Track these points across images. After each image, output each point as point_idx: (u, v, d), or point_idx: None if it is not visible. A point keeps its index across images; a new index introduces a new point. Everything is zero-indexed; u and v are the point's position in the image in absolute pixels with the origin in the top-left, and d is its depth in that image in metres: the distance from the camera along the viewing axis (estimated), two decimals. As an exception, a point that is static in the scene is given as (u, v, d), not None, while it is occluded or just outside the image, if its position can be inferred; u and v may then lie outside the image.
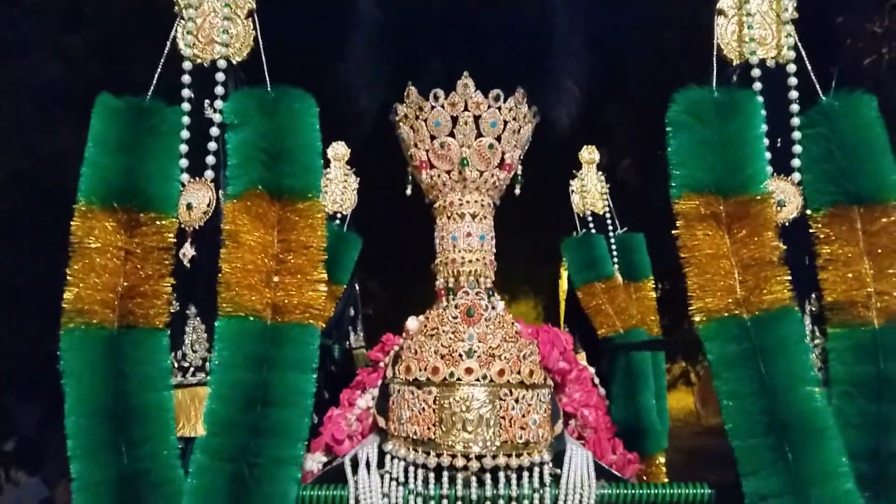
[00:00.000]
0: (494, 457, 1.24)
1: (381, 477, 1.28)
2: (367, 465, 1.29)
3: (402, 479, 1.26)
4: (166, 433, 1.19)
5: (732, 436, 1.18)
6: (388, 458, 1.29)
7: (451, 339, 1.30)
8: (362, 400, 1.57)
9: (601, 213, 2.60)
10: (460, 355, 1.29)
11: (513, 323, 1.33)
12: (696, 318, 1.23)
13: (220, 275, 1.23)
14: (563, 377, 1.53)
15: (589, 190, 2.59)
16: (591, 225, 2.58)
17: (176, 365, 1.28)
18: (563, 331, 1.88)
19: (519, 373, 1.29)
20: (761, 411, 1.16)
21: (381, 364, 1.60)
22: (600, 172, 2.62)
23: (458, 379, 1.27)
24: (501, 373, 1.28)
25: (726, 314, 1.21)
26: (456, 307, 1.32)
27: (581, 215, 2.60)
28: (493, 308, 1.33)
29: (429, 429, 1.26)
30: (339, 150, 2.55)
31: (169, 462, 1.18)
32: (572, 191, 2.63)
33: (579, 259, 2.45)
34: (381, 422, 1.37)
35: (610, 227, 2.60)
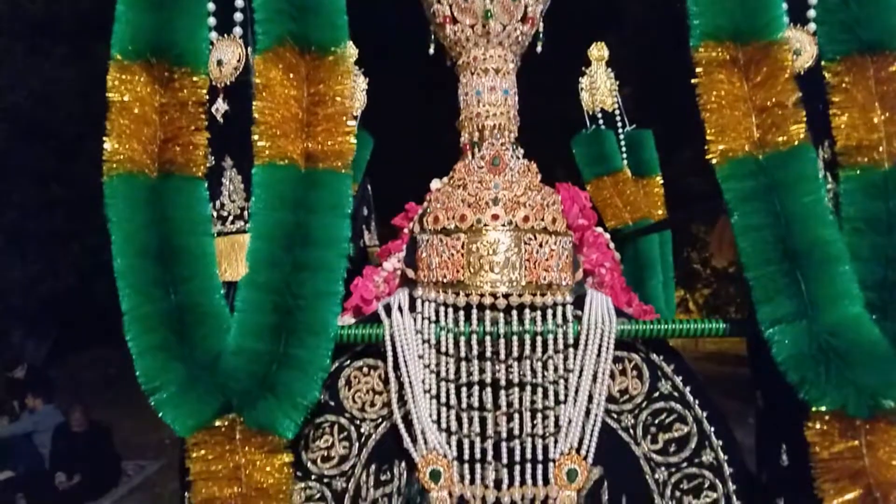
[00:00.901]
0: (520, 295, 1.31)
1: (414, 319, 1.35)
2: (400, 308, 1.36)
3: (433, 319, 1.33)
4: (210, 273, 1.25)
5: (748, 268, 1.24)
6: (419, 302, 1.36)
7: (477, 188, 1.35)
8: (388, 263, 1.63)
9: (610, 110, 2.62)
10: (487, 203, 1.34)
11: (537, 173, 1.38)
12: (714, 161, 1.28)
13: (253, 126, 1.27)
14: (582, 236, 1.60)
15: (598, 87, 2.61)
16: (601, 122, 2.60)
17: (215, 214, 1.34)
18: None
19: (542, 219, 1.34)
20: (776, 240, 1.22)
21: (405, 230, 1.66)
22: (609, 69, 2.63)
23: (485, 225, 1.33)
24: (526, 219, 1.33)
25: (742, 154, 1.26)
26: (482, 158, 1.37)
27: (590, 113, 2.63)
28: (518, 158, 1.37)
29: (458, 272, 1.33)
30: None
31: (214, 298, 1.24)
32: (581, 88, 2.64)
33: (589, 154, 2.49)
34: (410, 273, 1.43)
35: (619, 124, 2.63)
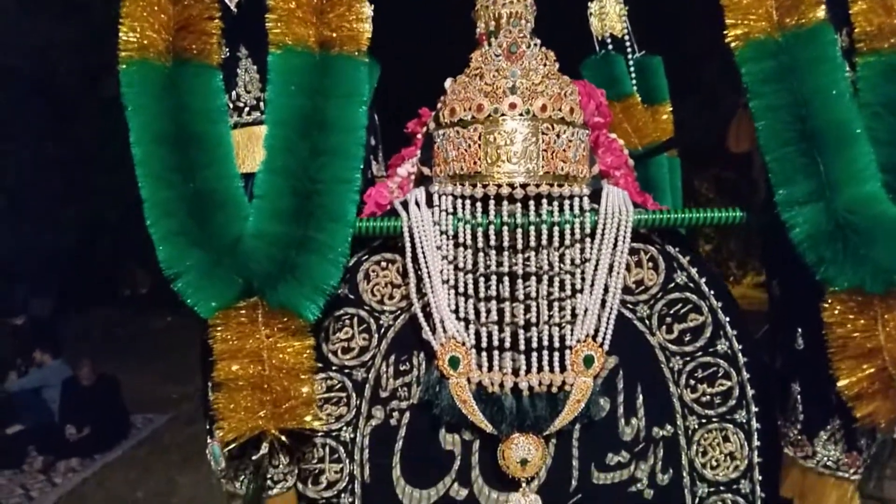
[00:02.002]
0: (538, 186, 1.31)
1: (431, 212, 1.35)
2: (417, 203, 1.36)
3: (451, 210, 1.34)
4: (228, 160, 1.25)
5: (766, 150, 1.24)
6: (436, 196, 1.36)
7: (494, 76, 1.34)
8: (402, 168, 1.63)
9: (620, 35, 2.59)
10: (504, 92, 1.33)
11: (555, 61, 1.36)
12: (734, 44, 1.27)
13: (268, 13, 1.26)
14: (597, 138, 1.59)
15: (608, 12, 2.58)
16: (611, 47, 2.58)
17: (231, 106, 1.33)
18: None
19: (560, 109, 1.34)
20: (794, 121, 1.22)
21: (419, 135, 1.65)
22: (619, -7, 2.60)
23: (503, 114, 1.32)
24: (544, 108, 1.33)
25: (762, 35, 1.25)
26: (499, 45, 1.35)
27: (600, 38, 2.60)
28: (536, 45, 1.36)
29: (475, 163, 1.32)
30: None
31: (233, 185, 1.24)
32: (591, 13, 2.61)
33: (598, 78, 2.47)
34: (426, 170, 1.43)
35: (629, 50, 2.60)
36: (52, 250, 8.86)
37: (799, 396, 1.31)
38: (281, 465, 1.30)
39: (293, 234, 1.21)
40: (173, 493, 5.21)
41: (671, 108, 2.63)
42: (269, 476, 1.29)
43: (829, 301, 1.22)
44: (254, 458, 1.23)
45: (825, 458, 1.28)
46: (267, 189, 1.22)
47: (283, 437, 1.22)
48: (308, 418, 1.23)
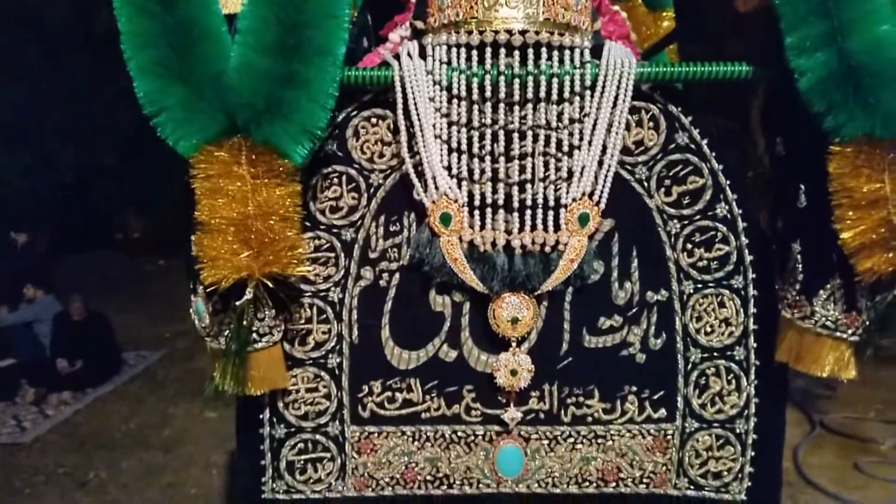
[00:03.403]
0: (537, 32, 1.25)
1: (425, 62, 1.29)
2: (410, 54, 1.30)
3: (444, 60, 1.28)
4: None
5: (780, 1, 1.18)
6: (429, 48, 1.30)
7: (492, -82, 1.27)
8: (394, 34, 1.57)
9: (623, -64, 2.50)
10: (502, -66, 1.26)
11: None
12: None
13: None
14: (599, 4, 1.53)
15: (611, -88, 2.48)
16: (613, -51, 2.49)
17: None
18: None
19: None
20: None
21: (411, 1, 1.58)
22: None
23: (500, -41, 1.25)
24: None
25: None
26: None
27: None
28: None
29: (471, 7, 1.26)
30: None
31: (215, 19, 1.17)
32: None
33: (601, -20, 2.38)
34: (420, 24, 1.36)
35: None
36: (45, 191, 8.78)
37: (799, 256, 1.27)
38: (266, 318, 1.27)
39: (278, 68, 1.15)
40: (166, 425, 5.22)
41: (674, 14, 2.56)
42: (254, 329, 1.25)
43: (835, 152, 1.18)
44: (238, 303, 1.20)
45: (823, 318, 1.25)
46: (251, 21, 1.16)
47: (269, 283, 1.18)
48: (293, 265, 1.19)
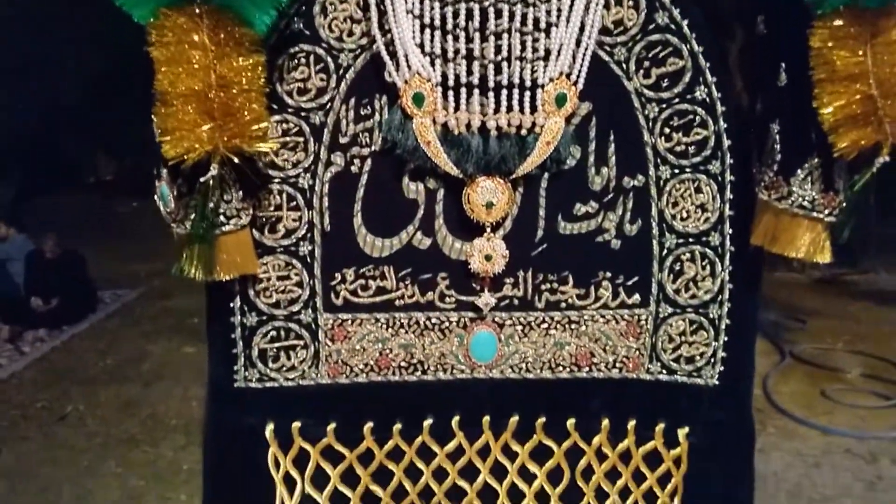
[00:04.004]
0: None
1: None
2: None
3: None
4: None
5: None
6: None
7: None
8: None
9: None
10: None
11: None
12: None
13: None
14: None
15: None
16: None
17: None
18: None
19: None
20: None
21: None
22: None
23: None
24: None
25: None
26: None
27: None
28: None
29: None
30: None
31: None
32: None
33: None
34: None
35: None
36: (14, 134, 8.54)
37: (777, 136, 1.25)
38: (233, 200, 1.23)
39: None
40: (144, 361, 5.22)
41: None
42: (220, 211, 1.22)
43: (818, 26, 1.15)
44: (203, 179, 1.16)
45: (800, 199, 1.24)
46: None
47: (234, 157, 1.14)
48: (258, 139, 1.14)
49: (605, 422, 1.40)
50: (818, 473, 3.60)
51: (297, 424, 1.37)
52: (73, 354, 5.37)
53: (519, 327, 1.37)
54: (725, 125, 1.32)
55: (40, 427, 4.32)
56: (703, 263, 1.36)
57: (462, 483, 1.40)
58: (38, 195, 8.79)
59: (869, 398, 4.39)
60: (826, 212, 1.24)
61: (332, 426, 1.37)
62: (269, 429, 1.37)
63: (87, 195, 9.87)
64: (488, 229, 1.31)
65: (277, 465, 1.38)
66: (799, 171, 1.24)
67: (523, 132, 1.26)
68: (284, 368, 1.36)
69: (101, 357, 5.29)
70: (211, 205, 1.20)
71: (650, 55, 1.31)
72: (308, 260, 1.33)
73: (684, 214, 1.35)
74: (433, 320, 1.36)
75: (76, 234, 7.71)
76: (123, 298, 6.43)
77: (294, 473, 1.38)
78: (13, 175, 8.59)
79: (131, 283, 6.78)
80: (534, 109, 1.26)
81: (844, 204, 1.24)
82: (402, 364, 1.37)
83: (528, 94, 1.26)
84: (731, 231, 1.35)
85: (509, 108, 1.26)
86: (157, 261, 6.78)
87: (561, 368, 1.38)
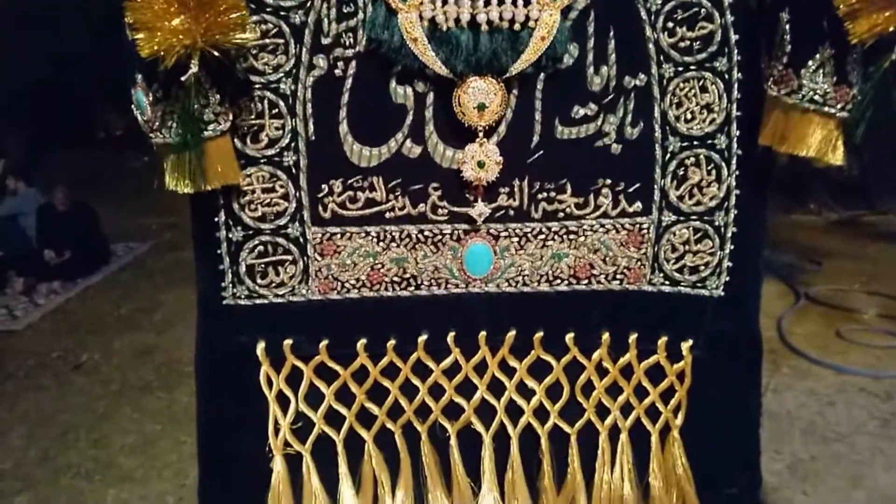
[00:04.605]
0: None
1: None
2: None
3: None
4: None
5: None
6: None
7: None
8: None
9: None
10: None
11: None
12: None
13: None
14: None
15: None
16: None
17: None
18: None
19: None
20: None
21: None
22: None
23: None
24: None
25: None
26: None
27: None
28: None
29: None
30: None
31: None
32: None
33: None
34: None
35: None
36: (24, 89, 8.50)
37: (787, 26, 1.16)
38: (212, 103, 1.17)
39: None
40: (157, 310, 5.25)
41: None
42: (198, 116, 1.16)
43: None
44: (183, 78, 1.10)
45: (811, 92, 1.16)
46: None
47: (213, 52, 1.08)
48: (236, 29, 1.08)
49: (606, 336, 1.35)
50: (832, 412, 3.56)
51: (288, 342, 1.34)
52: (87, 305, 5.41)
53: (515, 239, 1.31)
54: (732, 18, 1.23)
55: (56, 376, 4.37)
56: (709, 168, 1.29)
57: (459, 400, 1.37)
58: (48, 151, 8.77)
59: (884, 338, 4.31)
60: (839, 106, 1.15)
61: (324, 343, 1.34)
62: (261, 347, 1.34)
63: (98, 151, 9.85)
64: (481, 134, 1.24)
65: (270, 383, 1.35)
66: (810, 62, 1.15)
67: (516, 27, 1.18)
68: (273, 285, 1.32)
69: (115, 307, 5.32)
70: (191, 105, 1.14)
71: (652, -59, 1.21)
72: (293, 171, 1.27)
73: (689, 116, 1.27)
74: (426, 233, 1.31)
75: (88, 189, 7.71)
76: (136, 251, 6.44)
77: (287, 392, 1.35)
78: (23, 130, 8.57)
79: (143, 236, 6.78)
80: (527, 2, 1.18)
81: (859, 98, 1.16)
82: (395, 279, 1.32)
83: (520, -17, 1.17)
84: (738, 133, 1.28)
85: (501, 1, 1.18)
86: (169, 214, 6.78)
87: (559, 281, 1.33)
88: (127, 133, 9.93)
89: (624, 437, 1.37)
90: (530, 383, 1.37)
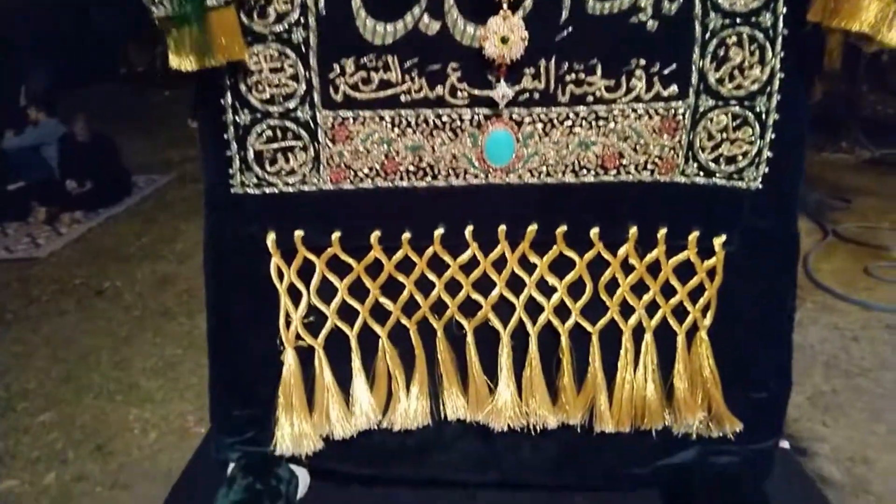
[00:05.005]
0: None
1: None
2: None
3: None
4: None
5: None
6: None
7: None
8: None
9: None
10: None
11: None
12: None
13: None
14: None
15: None
16: None
17: None
18: None
19: None
20: None
21: None
22: None
23: None
24: None
25: None
26: None
27: None
28: None
29: None
30: None
31: None
32: None
33: None
34: None
35: None
36: (47, 23, 8.43)
37: None
38: (213, -31, 1.09)
39: None
40: (178, 240, 5.27)
41: None
42: (201, -17, 1.08)
43: None
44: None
45: (870, -44, 1.04)
46: None
47: None
48: None
49: (633, 230, 1.27)
50: (856, 347, 3.50)
51: (299, 233, 1.28)
52: (110, 235, 5.44)
53: (539, 125, 1.22)
54: None
55: (79, 301, 4.42)
56: (752, 48, 1.18)
57: (476, 296, 1.31)
58: (70, 86, 8.73)
59: (912, 276, 4.21)
60: (899, -26, 1.04)
61: (336, 235, 1.28)
62: (271, 238, 1.29)
63: (119, 86, 9.81)
64: (505, 6, 1.14)
65: (281, 276, 1.31)
66: None
67: None
68: (283, 172, 1.25)
69: (137, 237, 5.35)
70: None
71: None
72: (303, 49, 1.19)
73: (732, -12, 1.16)
74: (443, 118, 1.22)
75: (110, 122, 7.68)
76: (157, 183, 6.45)
77: (299, 285, 1.31)
78: (47, 64, 8.53)
79: (164, 168, 6.78)
80: None
81: None
82: (411, 168, 1.25)
83: None
84: (785, 9, 1.16)
85: None
86: (190, 147, 6.75)
87: (585, 171, 1.24)
88: (149, 69, 9.85)
89: (648, 337, 1.31)
90: (551, 280, 1.30)
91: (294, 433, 1.32)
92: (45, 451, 3.01)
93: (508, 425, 1.32)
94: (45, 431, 3.15)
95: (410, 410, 1.34)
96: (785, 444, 1.50)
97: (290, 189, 1.26)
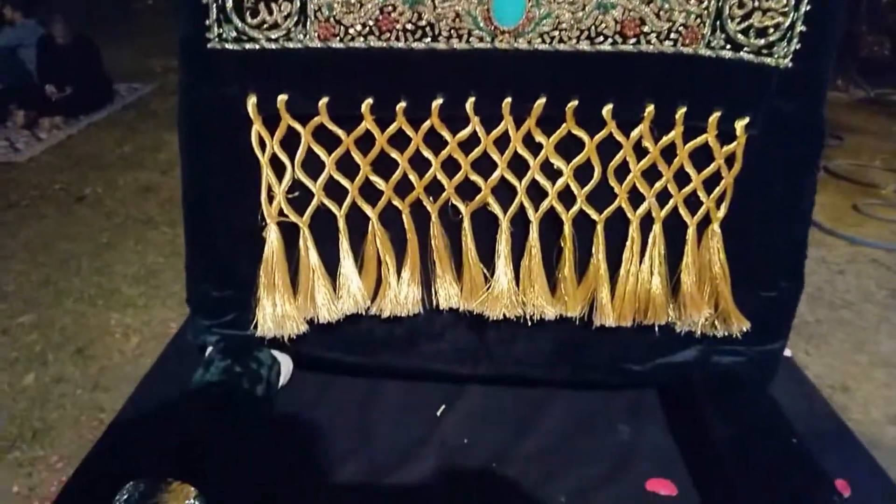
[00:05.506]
0: None
1: None
2: None
3: None
4: None
5: None
6: None
7: None
8: None
9: None
10: None
11: None
12: None
13: None
14: None
15: None
16: None
17: None
18: None
19: None
20: None
21: None
22: None
23: None
24: None
25: None
26: None
27: None
28: None
29: None
30: None
31: None
32: None
33: None
34: None
35: None
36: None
37: None
38: None
39: None
40: (161, 150, 5.11)
41: None
42: None
43: None
44: None
45: None
46: None
47: None
48: None
49: (650, 108, 1.16)
50: (841, 280, 3.48)
51: (283, 97, 1.16)
52: (91, 142, 5.26)
53: (553, -17, 1.10)
54: None
55: (59, 207, 4.29)
56: None
57: (475, 178, 1.21)
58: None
59: (902, 213, 4.19)
60: None
61: (324, 101, 1.16)
62: (252, 102, 1.17)
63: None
64: None
65: (263, 146, 1.19)
66: None
67: None
68: (266, 26, 1.12)
69: (119, 145, 5.18)
70: None
71: None
72: None
73: None
74: (448, -31, 1.09)
75: (91, 28, 7.36)
76: (139, 92, 6.22)
77: (283, 157, 1.20)
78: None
79: (147, 78, 6.53)
80: None
81: None
82: (408, 27, 1.12)
83: None
84: None
85: None
86: (173, 57, 6.48)
87: (602, 38, 1.12)
88: (131, -26, 9.42)
89: (657, 227, 1.22)
90: (557, 162, 1.20)
91: (276, 314, 1.23)
92: (23, 352, 2.94)
93: (504, 316, 1.25)
94: (23, 333, 3.07)
95: (401, 297, 1.26)
96: (787, 353, 1.45)
97: (273, 45, 1.13)
